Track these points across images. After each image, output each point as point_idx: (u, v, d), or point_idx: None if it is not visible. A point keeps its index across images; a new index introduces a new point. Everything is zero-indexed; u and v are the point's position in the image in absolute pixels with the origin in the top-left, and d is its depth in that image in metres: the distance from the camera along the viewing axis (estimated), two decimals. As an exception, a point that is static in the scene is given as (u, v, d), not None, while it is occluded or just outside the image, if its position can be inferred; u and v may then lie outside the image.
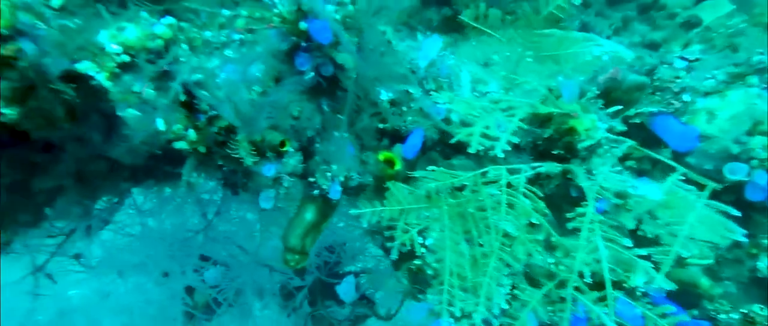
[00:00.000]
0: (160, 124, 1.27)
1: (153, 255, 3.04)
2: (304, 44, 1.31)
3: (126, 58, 1.19)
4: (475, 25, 1.57)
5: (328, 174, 1.56)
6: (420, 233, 1.30)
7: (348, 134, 1.56)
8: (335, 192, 1.55)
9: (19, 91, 1.16)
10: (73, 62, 1.22)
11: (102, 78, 1.21)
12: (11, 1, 1.07)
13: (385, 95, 1.41)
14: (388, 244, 1.29)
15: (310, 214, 1.65)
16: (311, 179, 1.57)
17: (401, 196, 1.31)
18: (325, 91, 1.44)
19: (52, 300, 3.15)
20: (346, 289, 3.35)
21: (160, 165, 2.71)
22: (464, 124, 1.38)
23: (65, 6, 1.22)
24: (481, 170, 1.16)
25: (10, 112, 1.18)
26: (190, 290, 3.18)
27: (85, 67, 1.19)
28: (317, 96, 1.46)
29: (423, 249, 1.30)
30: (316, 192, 1.58)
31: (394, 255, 1.27)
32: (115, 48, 1.17)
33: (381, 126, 1.50)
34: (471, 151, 1.07)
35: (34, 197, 2.31)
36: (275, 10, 1.29)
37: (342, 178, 1.57)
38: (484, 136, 1.07)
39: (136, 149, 1.29)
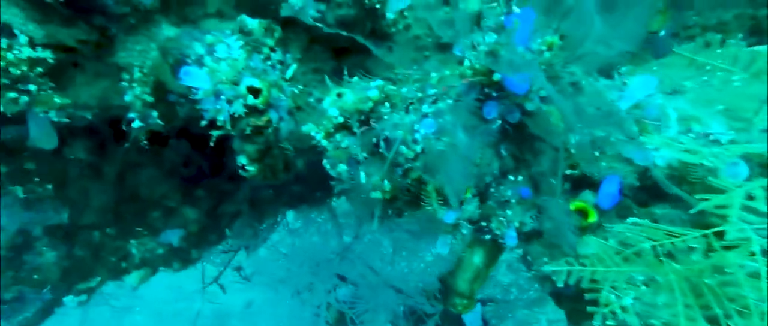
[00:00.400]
0: (362, 177, 1.41)
1: (297, 271, 3.38)
2: (495, 94, 1.34)
3: (340, 120, 1.35)
4: (694, 58, 1.42)
5: (503, 219, 1.55)
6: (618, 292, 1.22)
7: (522, 178, 1.55)
8: (511, 239, 1.54)
9: (260, 152, 1.40)
10: (299, 124, 1.42)
11: (320, 137, 1.38)
12: (268, 81, 1.29)
13: (574, 138, 1.36)
14: (590, 309, 1.23)
15: (478, 258, 1.67)
16: (483, 223, 1.59)
17: (604, 254, 1.25)
18: (507, 136, 1.45)
19: (214, 306, 3.71)
20: (472, 318, 3.30)
21: (314, 191, 3.03)
22: (673, 168, 1.26)
23: (294, 76, 1.43)
24: (714, 229, 1.03)
25: (252, 169, 1.43)
26: (328, 305, 3.45)
27: (308, 128, 1.38)
28: (497, 141, 1.48)
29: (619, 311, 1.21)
30: (487, 236, 1.59)
31: (598, 322, 1.21)
32: (334, 111, 1.34)
33: (569, 172, 1.46)
34: (729, 235, 0.95)
35: (220, 220, 2.77)
36: (467, 63, 1.34)
37: (517, 224, 1.55)
38: (748, 209, 0.94)
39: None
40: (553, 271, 1.31)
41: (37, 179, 2.19)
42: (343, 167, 1.38)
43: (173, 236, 2.58)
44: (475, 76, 1.31)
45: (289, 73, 1.42)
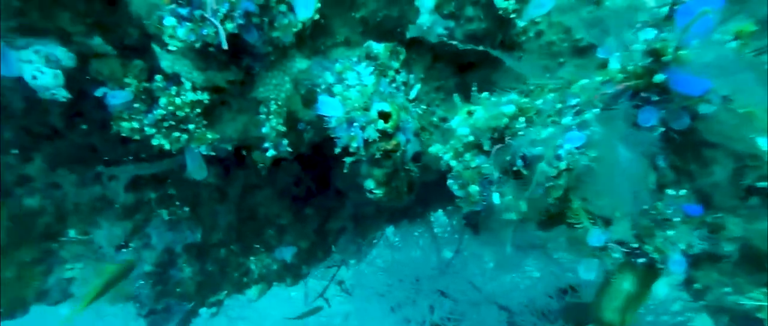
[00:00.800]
0: (495, 198, 1.32)
1: (397, 286, 3.37)
2: (655, 98, 1.16)
3: (471, 138, 1.28)
4: None
5: (662, 240, 1.34)
6: None
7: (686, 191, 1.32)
8: (677, 264, 1.32)
9: (388, 175, 1.39)
10: (424, 145, 1.39)
11: (448, 157, 1.33)
12: (397, 105, 1.28)
13: (765, 143, 1.12)
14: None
15: (628, 284, 1.46)
16: (634, 245, 1.38)
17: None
18: (668, 145, 1.26)
19: (317, 318, 3.87)
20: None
21: (416, 207, 3.01)
22: None
23: (417, 96, 1.41)
24: None
25: (378, 192, 1.43)
26: (430, 321, 3.38)
27: (435, 149, 1.33)
28: (654, 151, 1.28)
29: None
30: (640, 259, 1.38)
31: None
32: (464, 130, 1.28)
33: (760, 185, 1.21)
34: None
35: (327, 236, 2.88)
36: (614, 66, 1.19)
37: (683, 246, 1.33)
38: None
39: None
40: (758, 306, 1.07)
41: (177, 203, 2.48)
42: (474, 188, 1.30)
43: (287, 253, 2.73)
44: (628, 79, 1.15)
45: (413, 94, 1.40)
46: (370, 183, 1.43)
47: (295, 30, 1.24)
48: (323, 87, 1.34)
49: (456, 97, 1.29)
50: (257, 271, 2.78)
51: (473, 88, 1.28)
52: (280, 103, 1.43)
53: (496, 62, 1.37)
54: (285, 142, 1.52)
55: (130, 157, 2.31)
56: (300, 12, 1.20)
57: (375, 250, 3.34)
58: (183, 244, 2.58)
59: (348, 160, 1.32)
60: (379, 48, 1.34)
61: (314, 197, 2.69)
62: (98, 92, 1.34)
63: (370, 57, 1.33)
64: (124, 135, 1.38)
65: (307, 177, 2.62)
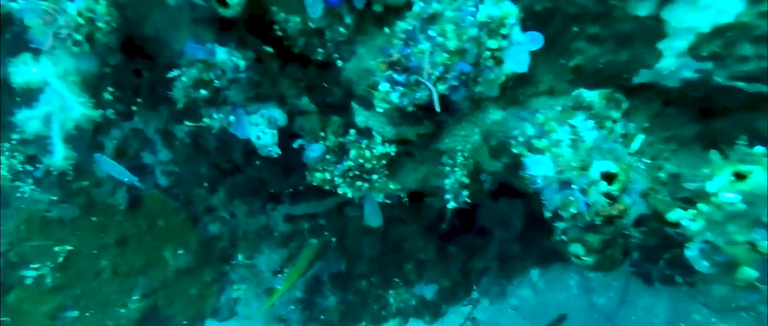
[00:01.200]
0: None
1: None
2: None
3: (742, 207, 0.98)
4: None
5: None
6: None
7: None
8: None
9: (605, 242, 1.16)
10: (650, 206, 1.13)
11: (697, 227, 1.04)
12: (625, 163, 1.06)
13: None
14: None
15: None
16: None
17: None
18: None
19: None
20: None
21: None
22: None
23: (640, 148, 1.16)
24: None
25: (588, 260, 1.21)
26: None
27: (675, 216, 1.06)
28: None
29: None
30: None
31: None
32: (729, 197, 0.99)
33: None
34: None
35: (469, 275, 2.73)
36: None
37: None
38: None
39: None
40: None
41: (326, 233, 2.59)
42: (749, 272, 0.99)
43: (428, 290, 2.65)
44: None
45: (635, 146, 1.15)
46: (578, 249, 1.22)
47: (499, 83, 1.12)
48: (520, 139, 1.19)
49: (714, 154, 1.01)
50: (395, 305, 2.75)
51: (739, 142, 0.99)
52: (466, 154, 1.32)
53: (762, 106, 1.05)
54: (465, 193, 1.41)
55: (291, 190, 2.49)
56: (509, 65, 1.07)
57: (516, 290, 3.04)
58: (329, 273, 2.68)
59: (560, 225, 1.13)
60: (592, 96, 1.13)
61: (458, 234, 2.55)
62: (295, 144, 1.41)
63: (581, 107, 1.14)
64: (315, 184, 1.43)
65: (452, 214, 2.50)
